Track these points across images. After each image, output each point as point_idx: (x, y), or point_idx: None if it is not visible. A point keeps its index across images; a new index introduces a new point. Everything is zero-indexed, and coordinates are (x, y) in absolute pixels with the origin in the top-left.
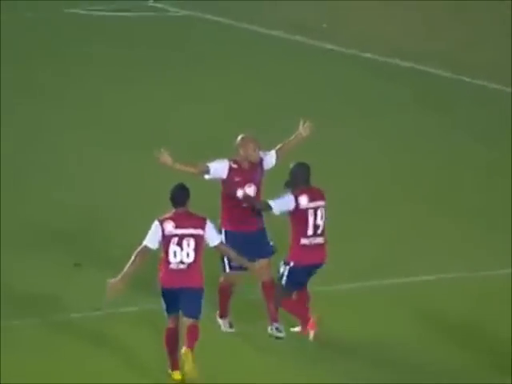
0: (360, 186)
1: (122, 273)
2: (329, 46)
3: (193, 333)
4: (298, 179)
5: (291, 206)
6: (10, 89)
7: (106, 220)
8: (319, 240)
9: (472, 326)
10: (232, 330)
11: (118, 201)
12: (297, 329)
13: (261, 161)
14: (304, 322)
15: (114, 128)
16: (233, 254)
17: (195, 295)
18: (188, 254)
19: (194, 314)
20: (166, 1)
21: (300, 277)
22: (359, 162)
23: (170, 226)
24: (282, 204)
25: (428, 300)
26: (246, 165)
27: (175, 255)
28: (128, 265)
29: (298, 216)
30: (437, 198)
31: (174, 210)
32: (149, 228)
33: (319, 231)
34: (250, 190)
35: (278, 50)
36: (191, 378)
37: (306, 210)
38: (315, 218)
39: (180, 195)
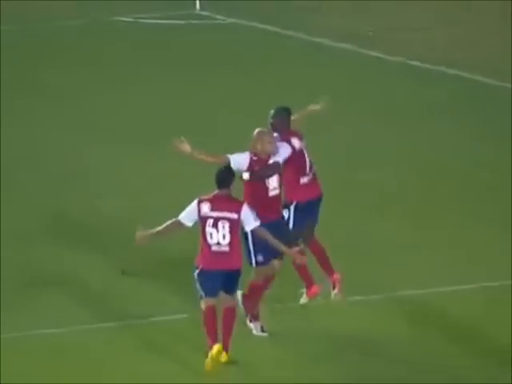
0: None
1: (150, 231)
2: (375, 54)
3: (228, 321)
4: (284, 122)
5: (289, 152)
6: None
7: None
8: (312, 175)
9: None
10: (265, 334)
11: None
12: (303, 298)
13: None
14: (308, 285)
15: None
16: (270, 238)
17: (234, 275)
18: (224, 236)
19: (232, 290)
20: (212, 9)
21: (306, 213)
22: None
23: (205, 208)
24: (283, 154)
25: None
26: (265, 156)
27: (211, 237)
28: (157, 229)
29: (295, 158)
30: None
31: (215, 192)
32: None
33: (312, 167)
34: (273, 179)
35: (324, 58)
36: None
37: (301, 151)
38: (308, 156)
39: (224, 177)
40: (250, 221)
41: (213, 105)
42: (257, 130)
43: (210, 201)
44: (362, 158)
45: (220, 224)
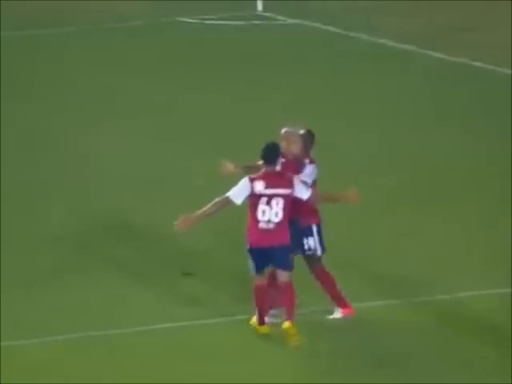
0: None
1: (197, 213)
2: (438, 55)
3: (288, 295)
4: (309, 145)
5: (315, 175)
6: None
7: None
8: None
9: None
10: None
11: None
12: (336, 314)
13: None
14: (340, 300)
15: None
16: (326, 195)
17: (285, 250)
18: (276, 214)
19: (287, 266)
20: (275, 9)
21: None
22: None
23: (259, 186)
24: (312, 176)
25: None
26: (290, 156)
27: (264, 214)
28: (203, 210)
29: (315, 183)
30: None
31: (263, 170)
32: None
33: None
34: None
35: (386, 59)
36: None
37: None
38: None
39: (271, 153)
40: (303, 191)
41: (274, 105)
42: (283, 130)
43: (263, 178)
44: (419, 158)
45: (274, 201)
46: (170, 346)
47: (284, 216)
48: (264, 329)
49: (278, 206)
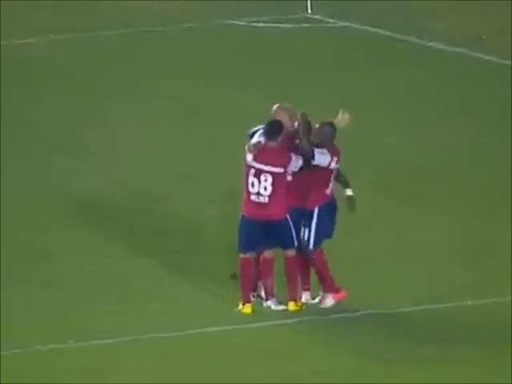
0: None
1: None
2: (487, 58)
3: (292, 269)
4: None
5: (327, 162)
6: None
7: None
8: None
9: None
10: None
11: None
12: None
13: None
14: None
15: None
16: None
17: (281, 227)
18: (265, 188)
19: (289, 244)
20: (324, 12)
21: None
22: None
23: (249, 156)
24: (321, 160)
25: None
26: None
27: (253, 186)
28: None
29: (324, 170)
30: None
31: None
32: None
33: None
34: None
35: (434, 62)
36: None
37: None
38: None
39: (270, 129)
40: (297, 165)
41: (324, 107)
42: (276, 106)
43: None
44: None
45: (262, 176)
46: (219, 348)
47: (274, 191)
48: (247, 309)
49: (266, 181)
